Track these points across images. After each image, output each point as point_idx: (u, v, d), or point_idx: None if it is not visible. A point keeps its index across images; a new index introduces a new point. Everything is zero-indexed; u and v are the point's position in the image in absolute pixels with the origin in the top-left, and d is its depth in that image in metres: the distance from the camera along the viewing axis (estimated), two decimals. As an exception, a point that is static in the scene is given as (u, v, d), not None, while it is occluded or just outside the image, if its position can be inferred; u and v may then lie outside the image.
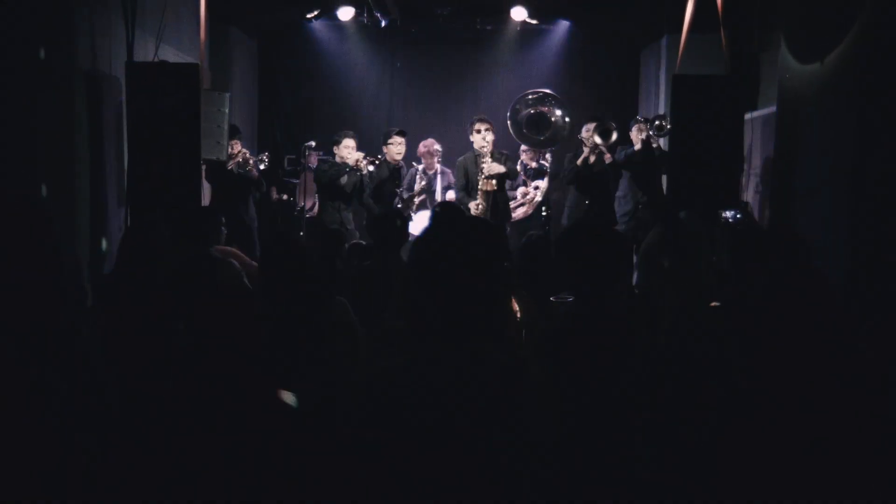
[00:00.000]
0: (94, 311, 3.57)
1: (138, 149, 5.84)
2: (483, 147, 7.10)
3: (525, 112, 7.92)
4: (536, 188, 8.15)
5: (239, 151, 7.45)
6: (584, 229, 2.47)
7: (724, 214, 6.27)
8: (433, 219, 1.83)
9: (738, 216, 6.29)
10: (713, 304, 3.10)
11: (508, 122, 7.82)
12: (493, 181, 7.05)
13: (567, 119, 7.85)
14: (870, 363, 2.97)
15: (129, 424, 2.25)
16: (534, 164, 8.27)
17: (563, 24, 9.80)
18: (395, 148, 7.50)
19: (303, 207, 7.95)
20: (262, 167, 7.61)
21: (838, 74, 5.17)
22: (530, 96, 7.99)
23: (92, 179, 5.72)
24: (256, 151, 8.48)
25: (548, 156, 8.12)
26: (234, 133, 7.52)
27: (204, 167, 7.34)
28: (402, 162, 7.69)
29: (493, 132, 7.20)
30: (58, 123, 5.31)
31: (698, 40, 6.98)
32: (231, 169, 7.37)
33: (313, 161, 8.51)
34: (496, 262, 1.68)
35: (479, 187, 7.08)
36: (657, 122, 7.46)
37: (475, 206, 7.09)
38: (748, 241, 3.89)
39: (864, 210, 4.72)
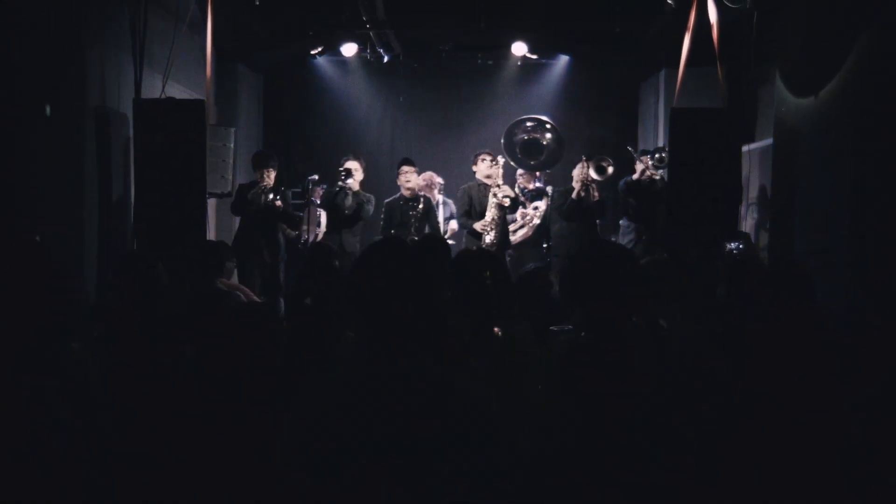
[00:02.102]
0: (97, 344, 3.62)
1: (145, 183, 5.94)
2: (489, 176, 7.28)
3: (520, 137, 8.09)
4: (536, 209, 8.25)
5: (265, 183, 7.11)
6: (599, 252, 2.48)
7: (728, 245, 6.32)
8: (370, 248, 1.96)
9: (742, 247, 6.34)
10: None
11: (503, 144, 7.97)
12: (507, 199, 7.20)
13: (559, 145, 8.01)
14: (868, 391, 3.01)
15: (131, 451, 2.29)
16: (531, 186, 8.39)
17: (563, 59, 9.94)
18: (404, 178, 7.59)
19: (307, 241, 8.01)
20: (278, 199, 7.18)
21: (833, 107, 5.26)
22: (526, 123, 8.17)
23: (100, 213, 5.81)
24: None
25: (549, 188, 8.21)
26: (266, 161, 7.22)
27: (232, 199, 7.31)
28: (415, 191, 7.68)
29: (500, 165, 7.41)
30: (67, 158, 5.41)
31: (695, 74, 7.09)
32: (252, 200, 7.08)
33: (317, 195, 8.59)
34: (430, 287, 1.83)
35: (490, 207, 7.20)
36: (657, 155, 7.56)
37: (481, 226, 7.20)
38: (751, 273, 3.94)
39: (861, 238, 4.78)
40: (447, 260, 3.81)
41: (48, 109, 5.08)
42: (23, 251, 2.09)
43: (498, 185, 7.23)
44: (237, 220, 7.99)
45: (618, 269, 2.35)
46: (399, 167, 7.68)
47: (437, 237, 5.39)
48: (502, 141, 8.13)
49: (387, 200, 7.68)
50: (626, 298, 2.35)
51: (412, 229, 7.37)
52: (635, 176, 7.48)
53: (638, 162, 7.61)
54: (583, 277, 2.39)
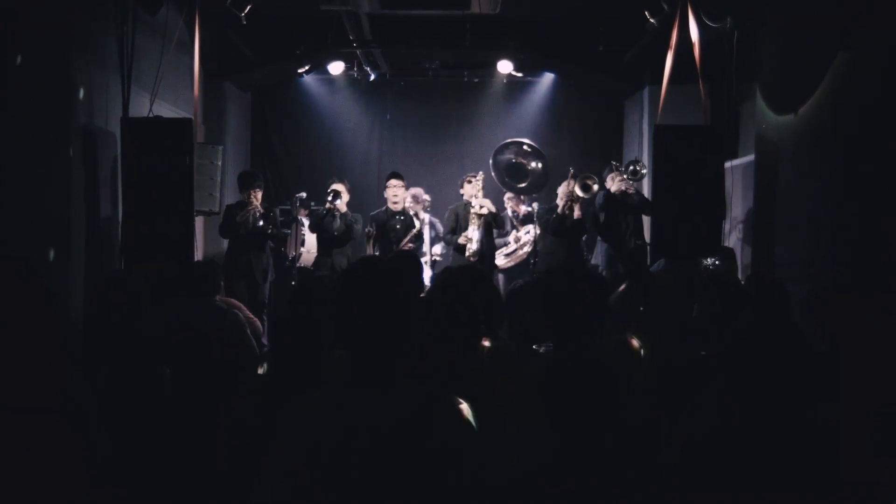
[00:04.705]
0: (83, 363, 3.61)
1: (133, 202, 5.95)
2: (473, 196, 7.46)
3: (508, 157, 8.23)
4: (528, 233, 8.32)
5: (252, 206, 7.30)
6: (563, 274, 2.56)
7: (704, 262, 6.38)
8: (347, 271, 1.98)
9: (717, 263, 6.40)
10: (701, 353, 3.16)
11: (491, 165, 8.07)
12: (484, 209, 7.39)
13: (544, 170, 8.15)
14: (844, 411, 3.05)
15: (121, 472, 2.30)
16: (520, 210, 8.47)
17: (548, 77, 10.05)
18: (391, 191, 7.74)
19: (294, 257, 8.05)
20: (262, 221, 7.34)
21: (812, 124, 5.35)
22: (523, 146, 8.31)
23: (87, 232, 5.81)
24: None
25: (534, 205, 8.29)
26: (251, 182, 7.39)
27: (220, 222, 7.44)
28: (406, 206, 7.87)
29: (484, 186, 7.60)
30: (54, 177, 5.42)
31: (678, 92, 7.16)
32: (241, 223, 7.27)
33: (303, 213, 8.64)
34: (407, 306, 1.86)
35: (471, 219, 7.40)
36: (631, 168, 7.69)
37: (464, 238, 7.39)
38: (727, 289, 3.99)
39: (842, 253, 4.86)
40: (419, 277, 3.84)
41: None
42: (14, 274, 2.11)
43: (475, 196, 7.43)
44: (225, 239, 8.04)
45: (579, 287, 2.42)
46: (387, 180, 7.81)
47: (407, 255, 5.45)
48: (490, 160, 8.23)
49: (372, 213, 7.86)
50: (586, 317, 2.40)
51: (393, 244, 7.56)
52: (613, 188, 7.61)
53: (608, 180, 7.73)
54: (549, 298, 2.46)
